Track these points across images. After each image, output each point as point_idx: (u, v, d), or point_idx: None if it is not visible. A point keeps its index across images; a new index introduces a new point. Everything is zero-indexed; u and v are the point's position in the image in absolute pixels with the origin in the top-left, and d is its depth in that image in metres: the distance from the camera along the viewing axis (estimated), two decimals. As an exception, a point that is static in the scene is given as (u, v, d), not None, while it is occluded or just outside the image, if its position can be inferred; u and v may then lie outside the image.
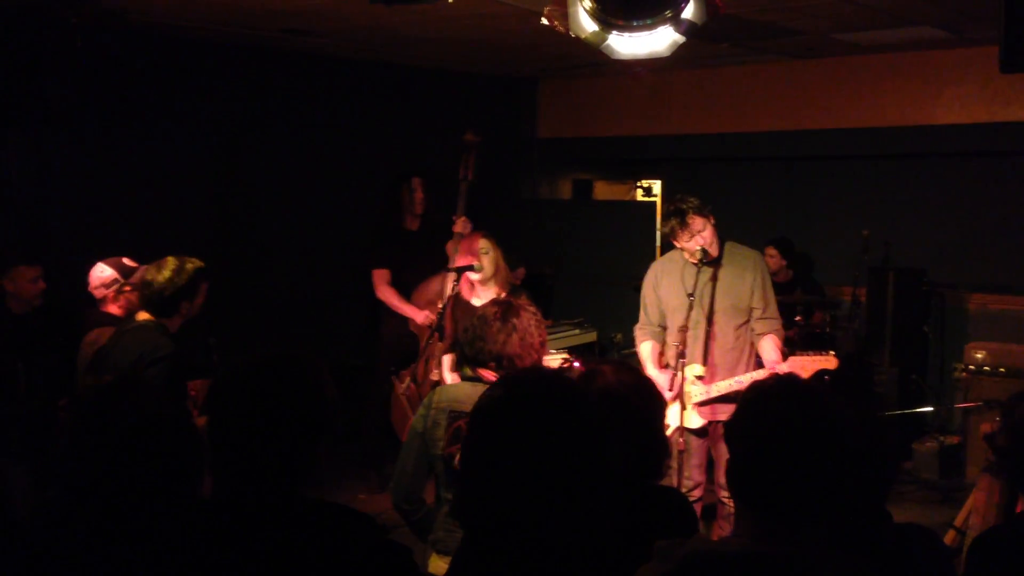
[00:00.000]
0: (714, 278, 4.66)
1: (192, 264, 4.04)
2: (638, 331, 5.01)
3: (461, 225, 5.57)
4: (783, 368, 4.50)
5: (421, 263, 5.91)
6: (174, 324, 4.03)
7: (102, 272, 4.76)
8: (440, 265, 5.56)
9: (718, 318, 4.69)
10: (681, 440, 4.63)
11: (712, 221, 4.63)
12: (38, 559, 2.19)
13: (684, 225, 4.56)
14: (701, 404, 4.69)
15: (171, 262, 4.01)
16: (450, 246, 5.55)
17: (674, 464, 4.56)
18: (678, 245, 4.69)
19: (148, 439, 2.19)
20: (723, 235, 4.76)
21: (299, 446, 2.02)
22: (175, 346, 3.94)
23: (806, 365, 4.54)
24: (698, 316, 4.62)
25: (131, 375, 3.63)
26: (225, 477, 2.05)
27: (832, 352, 4.65)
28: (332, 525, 2.01)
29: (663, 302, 4.86)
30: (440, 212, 6.13)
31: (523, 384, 1.70)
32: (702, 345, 4.66)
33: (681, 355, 4.52)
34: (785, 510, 1.73)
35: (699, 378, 4.66)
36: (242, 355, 2.13)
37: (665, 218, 4.67)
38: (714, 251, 4.66)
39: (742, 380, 4.57)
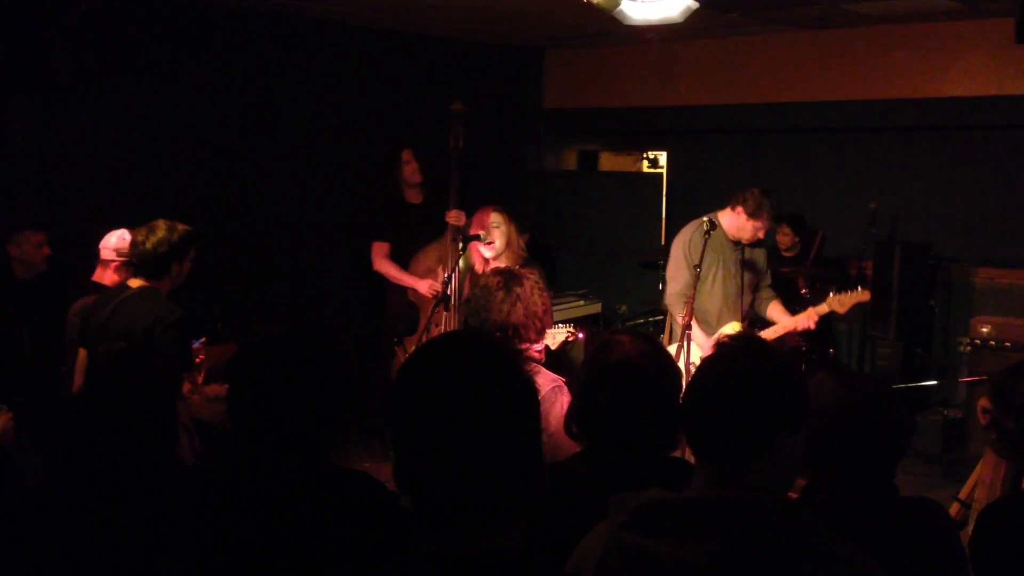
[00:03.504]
0: (742, 255, 5.32)
1: (182, 226, 4.04)
2: (677, 303, 5.09)
3: (454, 217, 5.49)
4: (823, 309, 5.33)
5: (423, 236, 5.85)
6: (163, 288, 4.01)
7: (126, 238, 4.55)
8: (440, 237, 5.54)
9: (746, 288, 5.35)
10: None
11: None
12: (49, 528, 2.20)
13: (773, 222, 5.39)
14: None
15: (162, 224, 4.00)
16: (449, 216, 5.53)
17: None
18: (745, 221, 5.10)
19: (159, 404, 2.20)
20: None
21: (321, 419, 2.04)
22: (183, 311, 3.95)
23: (844, 301, 5.38)
24: (737, 284, 5.31)
25: (143, 341, 3.65)
26: (247, 445, 2.06)
27: (860, 287, 5.50)
28: (348, 491, 2.03)
29: (706, 272, 5.07)
30: (439, 183, 6.07)
31: (444, 346, 1.60)
32: (739, 309, 5.34)
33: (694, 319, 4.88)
34: (730, 456, 1.81)
35: None
36: (249, 323, 2.12)
37: (765, 197, 5.08)
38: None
39: (786, 324, 5.35)
